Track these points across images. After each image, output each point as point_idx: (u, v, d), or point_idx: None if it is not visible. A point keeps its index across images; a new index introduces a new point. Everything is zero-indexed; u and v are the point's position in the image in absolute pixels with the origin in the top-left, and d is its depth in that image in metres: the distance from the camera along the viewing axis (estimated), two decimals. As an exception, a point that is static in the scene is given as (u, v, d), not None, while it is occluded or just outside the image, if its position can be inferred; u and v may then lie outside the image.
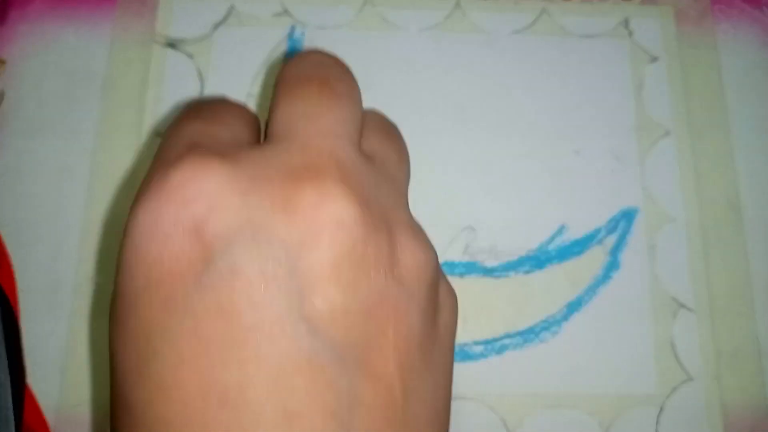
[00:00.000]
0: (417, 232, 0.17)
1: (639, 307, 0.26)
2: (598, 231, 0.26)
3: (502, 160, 0.27)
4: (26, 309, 0.24)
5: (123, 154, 0.26)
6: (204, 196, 0.14)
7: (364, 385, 0.14)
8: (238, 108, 0.19)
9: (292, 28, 0.28)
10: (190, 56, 0.28)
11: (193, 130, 0.17)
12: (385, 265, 0.15)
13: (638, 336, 0.25)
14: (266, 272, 0.14)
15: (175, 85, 0.27)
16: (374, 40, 0.28)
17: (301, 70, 0.18)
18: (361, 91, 0.28)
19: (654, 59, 0.29)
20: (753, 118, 0.28)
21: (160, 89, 0.27)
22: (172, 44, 0.28)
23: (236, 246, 0.14)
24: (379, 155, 0.18)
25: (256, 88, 0.27)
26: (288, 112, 0.17)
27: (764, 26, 0.30)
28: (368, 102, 0.27)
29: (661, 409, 0.24)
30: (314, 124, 0.17)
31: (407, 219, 0.17)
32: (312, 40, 0.28)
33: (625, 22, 0.29)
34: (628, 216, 0.27)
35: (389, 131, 0.20)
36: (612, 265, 0.26)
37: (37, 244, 0.25)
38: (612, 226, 0.26)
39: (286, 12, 0.29)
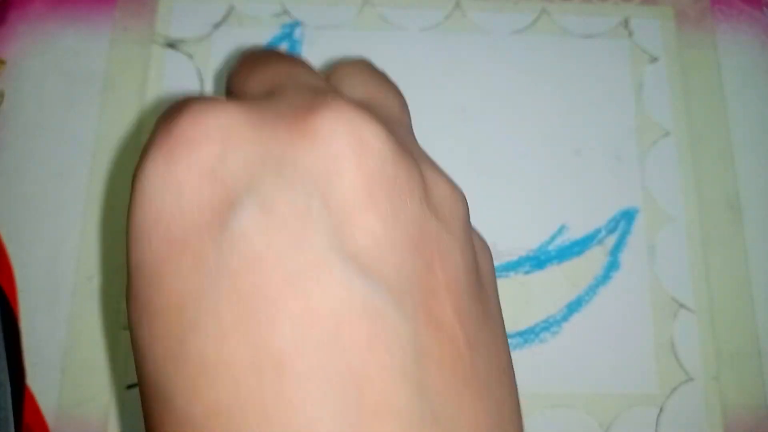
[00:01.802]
0: (440, 169, 0.15)
1: (639, 307, 0.26)
2: (598, 231, 0.26)
3: (502, 160, 0.27)
4: (26, 309, 0.24)
5: (123, 154, 0.26)
6: (216, 132, 0.13)
7: (427, 334, 0.12)
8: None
9: (292, 29, 0.28)
10: (190, 56, 0.28)
11: (183, 99, 0.15)
12: (418, 192, 0.13)
13: (638, 336, 0.25)
14: (300, 207, 0.12)
15: (174, 85, 0.27)
16: (374, 40, 0.28)
17: (253, 53, 0.18)
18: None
19: (654, 59, 0.29)
20: (753, 118, 0.28)
21: (160, 89, 0.27)
22: (171, 44, 0.28)
23: (261, 181, 0.12)
24: (376, 101, 0.16)
25: (256, 88, 0.27)
26: (260, 78, 0.16)
27: (764, 27, 0.30)
28: (368, 102, 0.27)
29: (661, 409, 0.24)
30: (296, 79, 0.15)
31: (428, 156, 0.15)
32: (312, 40, 0.28)
33: (625, 23, 0.29)
34: (628, 216, 0.27)
35: (379, 78, 0.18)
36: (612, 266, 0.26)
37: (37, 244, 0.25)
38: (612, 226, 0.26)
39: (285, 12, 0.29)
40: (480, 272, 0.15)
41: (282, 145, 0.13)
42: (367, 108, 0.14)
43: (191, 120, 0.13)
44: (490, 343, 0.14)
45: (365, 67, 0.18)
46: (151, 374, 0.13)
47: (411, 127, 0.17)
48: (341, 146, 0.13)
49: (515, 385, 0.15)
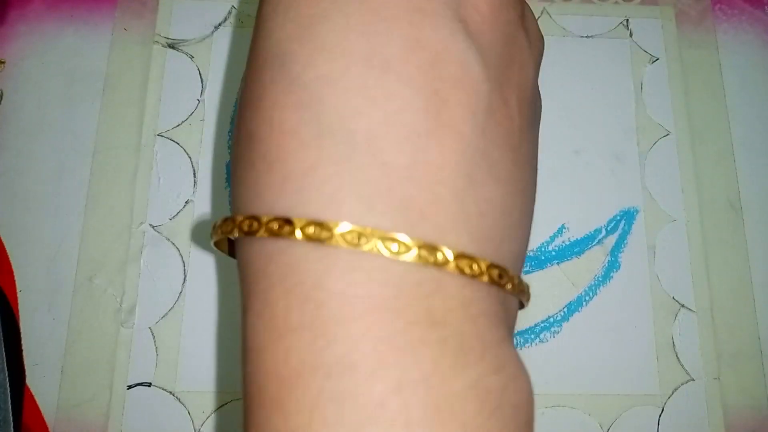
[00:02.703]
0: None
1: (639, 307, 0.25)
2: (598, 231, 0.26)
3: (503, 160, 0.27)
4: (26, 309, 0.24)
5: (123, 154, 0.26)
6: None
7: (497, 102, 0.15)
8: None
9: (293, 29, 0.28)
10: (190, 57, 0.28)
11: None
12: (519, 11, 0.16)
13: (639, 336, 0.25)
14: None
15: (175, 85, 0.27)
16: (374, 41, 0.28)
17: None
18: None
19: (654, 59, 0.29)
20: (753, 118, 0.28)
21: (160, 89, 0.27)
22: (172, 45, 0.28)
23: None
24: None
25: (256, 89, 0.27)
26: None
27: (765, 26, 0.30)
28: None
29: (663, 410, 0.24)
30: None
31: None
32: (312, 40, 0.28)
33: (626, 22, 0.29)
34: (628, 216, 0.27)
35: None
36: (612, 266, 0.26)
37: (37, 244, 0.25)
38: (612, 226, 0.26)
39: (286, 12, 0.29)
40: (537, 106, 0.18)
41: None
42: None
43: None
44: (532, 147, 0.17)
45: None
46: (274, 47, 0.15)
47: None
48: None
49: (535, 192, 0.17)
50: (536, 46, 0.17)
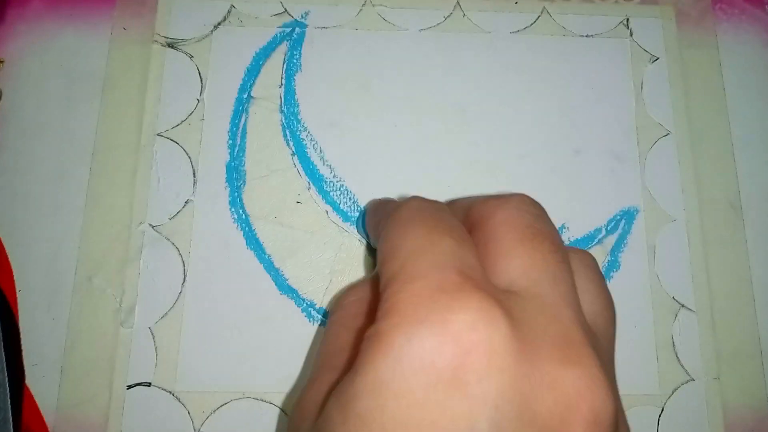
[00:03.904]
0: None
1: (639, 307, 0.25)
2: (598, 231, 0.26)
3: (502, 160, 0.27)
4: (26, 309, 0.24)
5: (123, 154, 0.26)
6: (485, 349, 0.13)
7: None
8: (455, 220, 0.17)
9: (292, 28, 0.28)
10: (190, 56, 0.28)
11: (450, 250, 0.15)
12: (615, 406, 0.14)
13: (639, 336, 0.25)
14: None
15: (174, 84, 0.27)
16: (374, 40, 0.28)
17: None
18: (361, 91, 0.28)
19: (654, 59, 0.29)
20: (753, 118, 0.28)
21: (160, 89, 0.27)
22: (171, 44, 0.28)
23: (502, 417, 0.13)
24: (599, 322, 0.17)
25: (255, 89, 0.27)
26: (519, 265, 0.16)
27: (765, 26, 0.30)
28: (368, 102, 0.27)
29: (662, 409, 0.24)
30: (559, 287, 0.15)
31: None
32: (312, 40, 0.28)
33: (626, 22, 0.29)
34: (628, 216, 0.27)
35: (604, 288, 0.18)
36: (612, 266, 0.26)
37: (37, 244, 0.25)
38: (612, 226, 0.26)
39: (285, 12, 0.29)
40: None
41: (530, 387, 0.13)
42: (604, 368, 0.14)
43: (470, 324, 0.13)
44: None
45: (597, 269, 0.18)
46: None
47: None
48: (575, 415, 0.14)
49: None
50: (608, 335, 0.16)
